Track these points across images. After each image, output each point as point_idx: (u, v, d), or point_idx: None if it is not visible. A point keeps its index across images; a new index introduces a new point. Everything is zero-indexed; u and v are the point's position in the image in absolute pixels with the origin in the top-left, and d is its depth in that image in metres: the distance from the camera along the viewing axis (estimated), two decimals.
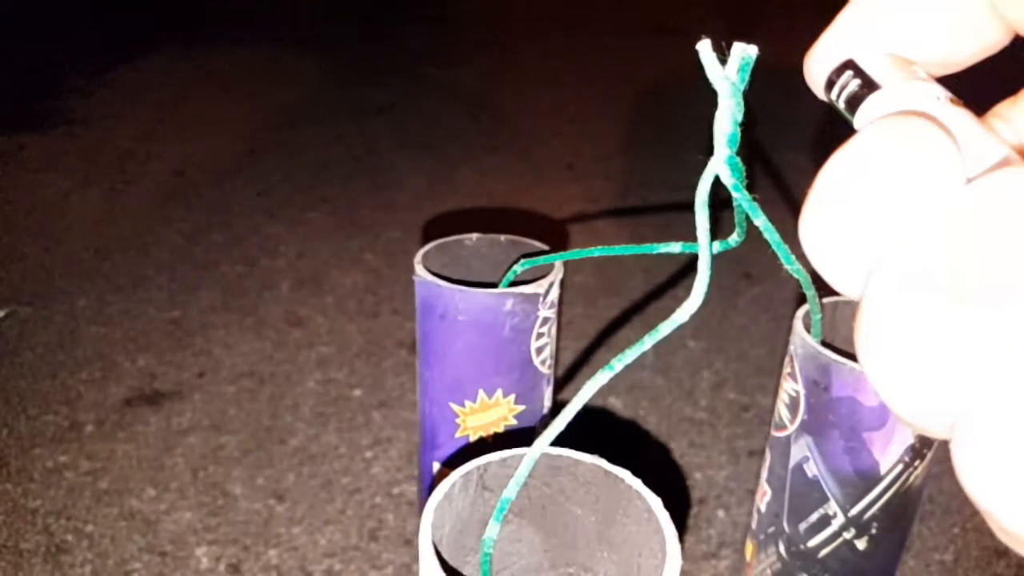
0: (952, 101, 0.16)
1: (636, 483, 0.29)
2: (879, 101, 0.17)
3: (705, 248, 0.22)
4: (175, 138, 1.45)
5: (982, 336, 0.12)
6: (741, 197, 0.22)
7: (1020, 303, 0.12)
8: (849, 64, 0.18)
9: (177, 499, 0.68)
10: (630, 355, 0.25)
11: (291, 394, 0.82)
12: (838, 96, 0.18)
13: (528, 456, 0.27)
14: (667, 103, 1.66)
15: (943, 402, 0.13)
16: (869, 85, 0.17)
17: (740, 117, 0.20)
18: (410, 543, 0.65)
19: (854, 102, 0.18)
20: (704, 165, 0.21)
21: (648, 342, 0.24)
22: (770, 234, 0.23)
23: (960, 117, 0.16)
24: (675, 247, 0.31)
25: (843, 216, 0.14)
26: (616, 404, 0.82)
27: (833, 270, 0.15)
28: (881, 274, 0.13)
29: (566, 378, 0.84)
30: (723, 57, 0.20)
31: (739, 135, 0.21)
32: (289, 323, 0.94)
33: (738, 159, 0.21)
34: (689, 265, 1.03)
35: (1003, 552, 0.66)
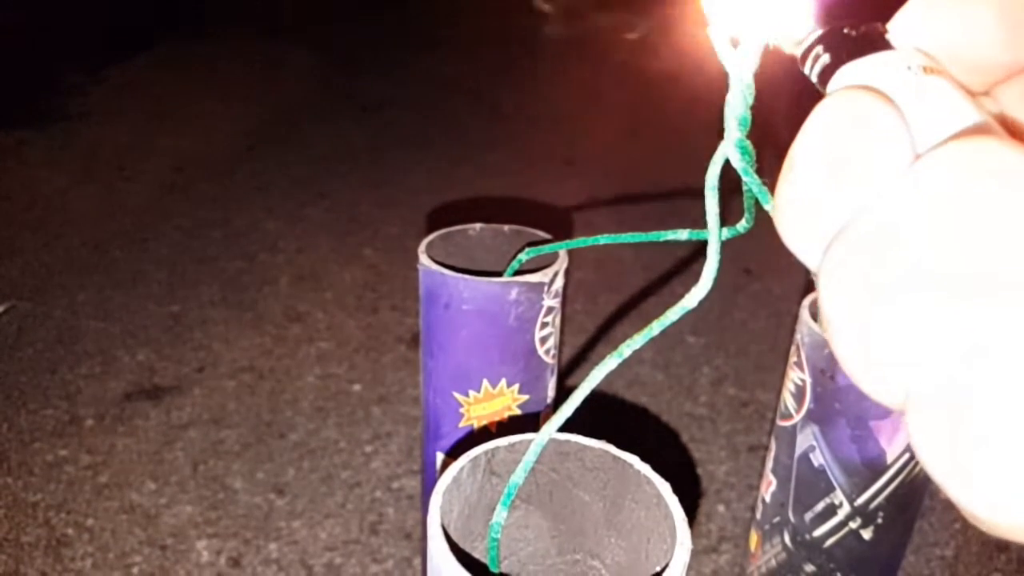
0: (927, 69, 0.16)
1: (645, 468, 0.29)
2: (846, 75, 0.17)
3: (715, 232, 0.22)
4: (174, 134, 1.45)
5: (910, 312, 0.13)
6: (751, 181, 0.21)
7: (930, 282, 0.13)
8: (821, 38, 0.18)
9: (177, 493, 0.68)
10: (639, 341, 0.25)
11: (291, 389, 0.82)
12: (811, 69, 0.18)
13: (536, 441, 0.26)
14: (666, 99, 1.66)
15: (894, 371, 0.13)
16: (838, 58, 0.17)
17: (751, 100, 0.20)
18: (410, 537, 0.65)
19: (824, 76, 0.17)
20: (715, 149, 0.21)
21: (657, 328, 0.24)
22: None
23: (934, 85, 0.16)
24: (683, 234, 0.31)
25: (797, 203, 0.15)
26: (616, 399, 0.82)
27: (798, 251, 0.16)
28: (829, 251, 0.14)
29: (567, 373, 0.83)
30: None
31: (750, 118, 0.20)
32: (288, 318, 0.93)
33: (748, 142, 0.21)
34: (688, 261, 1.03)
35: (1004, 547, 0.66)
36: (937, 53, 0.17)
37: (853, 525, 0.46)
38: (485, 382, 0.47)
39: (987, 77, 0.17)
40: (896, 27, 0.17)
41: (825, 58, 0.17)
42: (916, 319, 0.13)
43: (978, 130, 0.14)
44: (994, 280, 0.12)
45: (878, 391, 0.14)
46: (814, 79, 0.18)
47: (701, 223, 0.23)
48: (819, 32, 0.18)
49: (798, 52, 0.18)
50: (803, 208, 0.15)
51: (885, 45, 0.17)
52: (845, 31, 0.17)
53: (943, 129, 0.15)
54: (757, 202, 0.23)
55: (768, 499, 0.50)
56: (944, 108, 0.15)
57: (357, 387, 0.82)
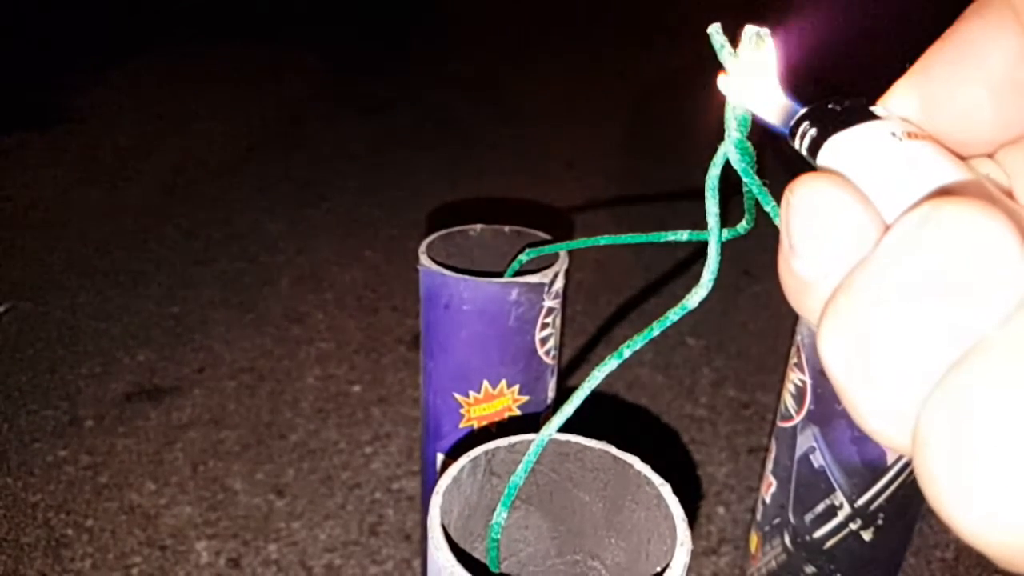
0: (911, 135, 0.17)
1: (645, 469, 0.29)
2: (833, 146, 0.18)
3: (715, 233, 0.22)
4: (175, 135, 1.45)
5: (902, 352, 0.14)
6: (751, 182, 0.21)
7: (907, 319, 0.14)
8: (807, 115, 0.19)
9: (177, 494, 0.68)
10: (639, 342, 0.25)
11: (291, 390, 0.82)
12: (800, 144, 0.19)
13: (536, 442, 0.27)
14: (667, 102, 1.66)
15: (897, 400, 0.14)
16: (824, 131, 0.18)
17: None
18: (410, 538, 0.65)
19: (813, 149, 0.18)
20: (715, 150, 0.21)
21: (657, 329, 0.24)
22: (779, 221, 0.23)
23: (917, 149, 0.16)
24: (683, 235, 0.31)
25: (789, 278, 0.17)
26: (616, 401, 0.82)
27: (804, 316, 0.18)
28: (822, 317, 0.15)
29: (567, 373, 0.83)
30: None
31: (750, 118, 0.20)
32: (289, 319, 0.93)
33: (748, 143, 0.21)
34: (689, 262, 1.03)
35: None
36: (927, 129, 0.18)
37: (853, 526, 0.46)
38: (485, 383, 0.47)
39: (978, 150, 0.18)
40: (884, 107, 0.18)
41: (812, 132, 0.18)
42: (906, 347, 0.14)
43: (955, 190, 0.15)
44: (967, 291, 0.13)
45: (887, 425, 0.15)
46: (804, 153, 0.19)
47: (702, 224, 0.23)
48: (805, 110, 0.19)
49: (787, 131, 0.19)
50: (796, 283, 0.17)
51: (869, 116, 0.18)
52: (830, 106, 0.18)
53: (925, 190, 0.16)
54: (757, 203, 0.23)
55: (768, 500, 0.50)
56: (927, 170, 0.16)
57: (357, 388, 0.82)
